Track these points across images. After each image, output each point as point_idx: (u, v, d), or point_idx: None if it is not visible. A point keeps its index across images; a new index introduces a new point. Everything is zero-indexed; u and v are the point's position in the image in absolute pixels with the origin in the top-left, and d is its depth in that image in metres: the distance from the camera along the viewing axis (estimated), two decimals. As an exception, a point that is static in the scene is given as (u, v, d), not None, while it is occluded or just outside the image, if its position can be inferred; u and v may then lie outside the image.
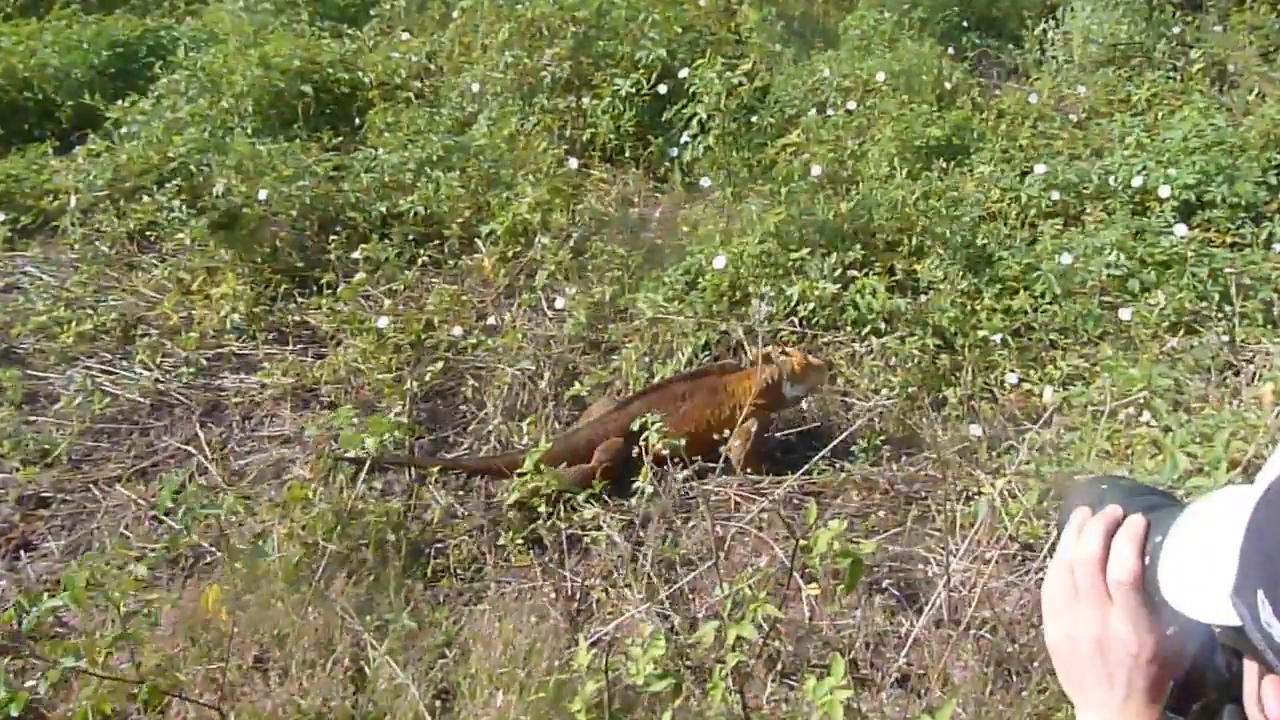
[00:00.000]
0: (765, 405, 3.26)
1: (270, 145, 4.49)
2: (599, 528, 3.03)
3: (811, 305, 3.70)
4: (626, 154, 4.88)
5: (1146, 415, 3.07)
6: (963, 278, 3.79)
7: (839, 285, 3.73)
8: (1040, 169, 4.28)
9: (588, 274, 4.06)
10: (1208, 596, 0.76)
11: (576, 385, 3.57)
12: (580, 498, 3.04)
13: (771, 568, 2.72)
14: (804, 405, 3.43)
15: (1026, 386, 3.49)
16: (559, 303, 3.89)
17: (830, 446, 2.98)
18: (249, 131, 4.75)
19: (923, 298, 3.78)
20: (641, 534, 2.96)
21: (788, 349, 3.36)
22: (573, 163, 4.50)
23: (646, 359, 3.66)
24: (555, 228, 4.22)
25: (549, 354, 3.71)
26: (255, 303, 4.00)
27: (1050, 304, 3.74)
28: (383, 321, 3.78)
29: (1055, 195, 4.21)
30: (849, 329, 3.71)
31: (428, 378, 3.61)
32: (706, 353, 3.67)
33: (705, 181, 4.40)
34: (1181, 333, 3.60)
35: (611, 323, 3.86)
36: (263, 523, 2.92)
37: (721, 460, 3.17)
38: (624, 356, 3.66)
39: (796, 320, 3.72)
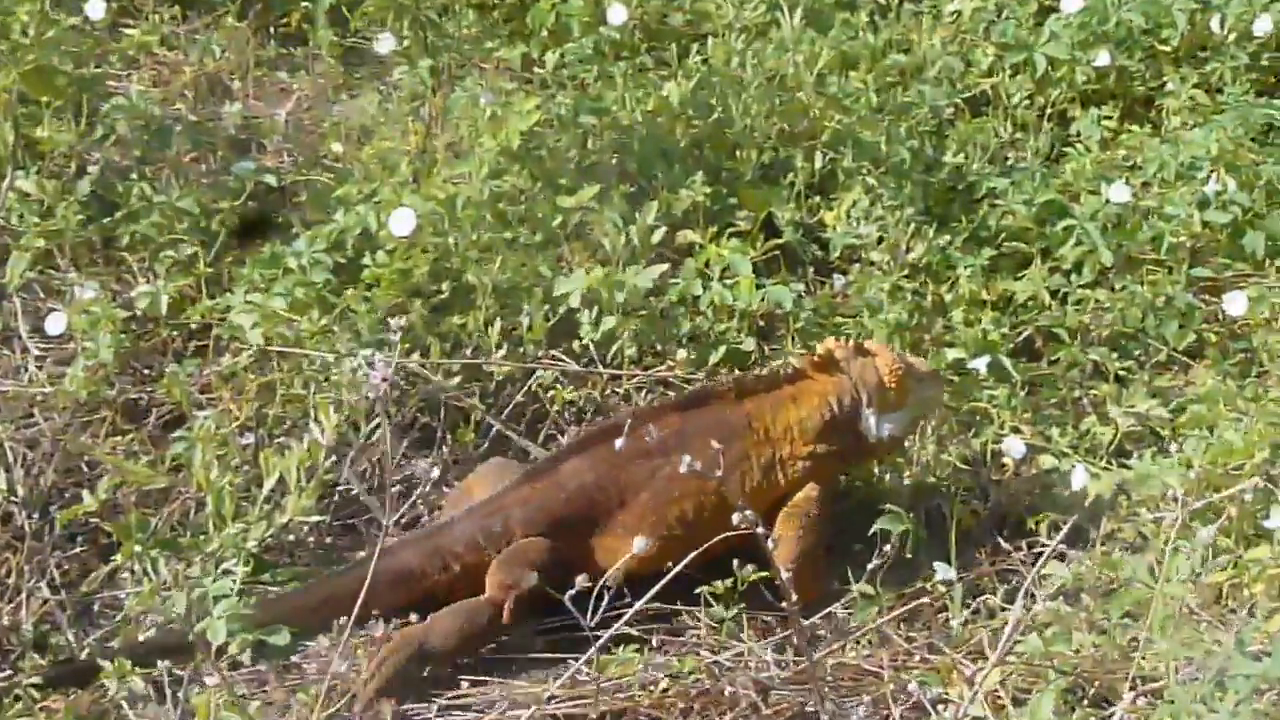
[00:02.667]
0: (833, 454, 3.39)
1: None
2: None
3: (608, 317, 3.76)
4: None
5: (1273, 517, 3.18)
6: (916, 236, 3.86)
7: (664, 266, 3.85)
8: (1075, 2, 4.40)
9: (121, 254, 4.06)
10: None
11: (86, 497, 3.48)
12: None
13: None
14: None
15: (1047, 462, 3.60)
16: (55, 324, 3.87)
17: (655, 590, 2.78)
18: None
19: (837, 282, 3.90)
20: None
21: (869, 345, 3.55)
22: (94, 8, 4.44)
23: (242, 437, 3.64)
24: (50, 155, 4.26)
25: (23, 436, 3.68)
26: None
27: (1089, 286, 3.86)
28: None
29: (1103, 57, 4.36)
30: (677, 357, 3.80)
31: None
32: (371, 420, 3.61)
33: (385, 44, 4.45)
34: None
35: (173, 362, 3.85)
36: None
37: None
38: (194, 433, 3.54)
39: (567, 350, 3.81)
